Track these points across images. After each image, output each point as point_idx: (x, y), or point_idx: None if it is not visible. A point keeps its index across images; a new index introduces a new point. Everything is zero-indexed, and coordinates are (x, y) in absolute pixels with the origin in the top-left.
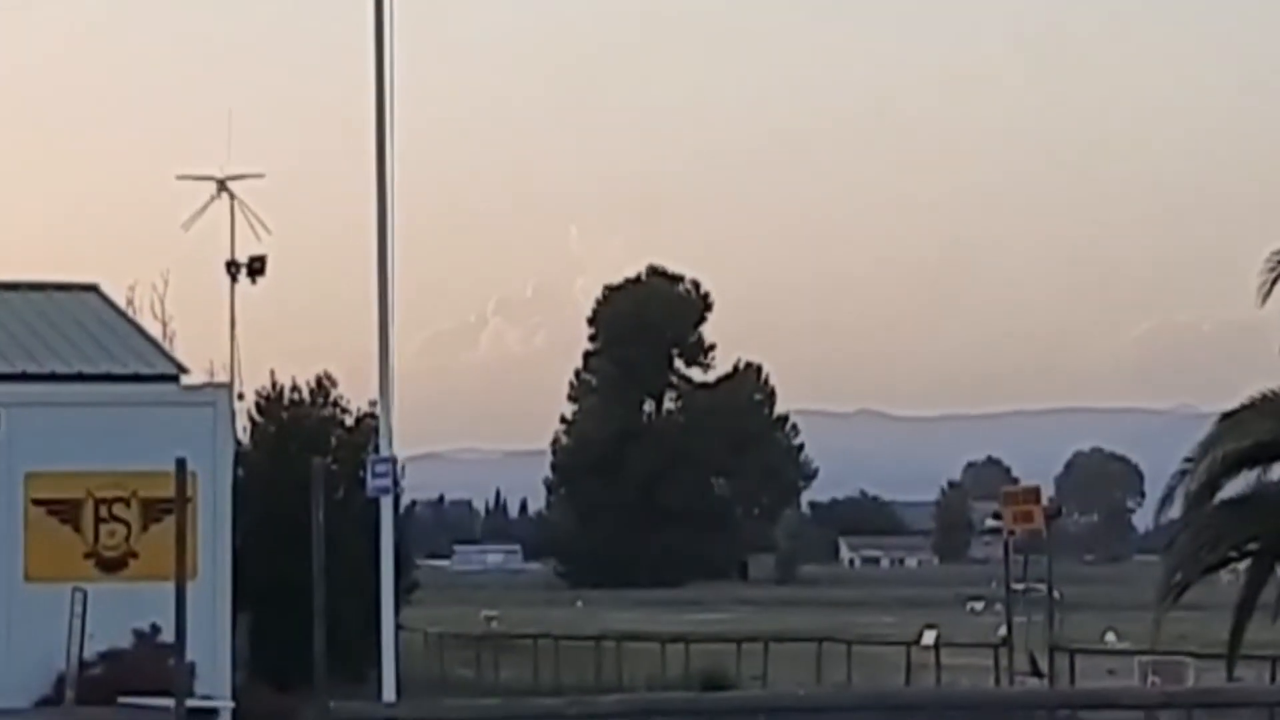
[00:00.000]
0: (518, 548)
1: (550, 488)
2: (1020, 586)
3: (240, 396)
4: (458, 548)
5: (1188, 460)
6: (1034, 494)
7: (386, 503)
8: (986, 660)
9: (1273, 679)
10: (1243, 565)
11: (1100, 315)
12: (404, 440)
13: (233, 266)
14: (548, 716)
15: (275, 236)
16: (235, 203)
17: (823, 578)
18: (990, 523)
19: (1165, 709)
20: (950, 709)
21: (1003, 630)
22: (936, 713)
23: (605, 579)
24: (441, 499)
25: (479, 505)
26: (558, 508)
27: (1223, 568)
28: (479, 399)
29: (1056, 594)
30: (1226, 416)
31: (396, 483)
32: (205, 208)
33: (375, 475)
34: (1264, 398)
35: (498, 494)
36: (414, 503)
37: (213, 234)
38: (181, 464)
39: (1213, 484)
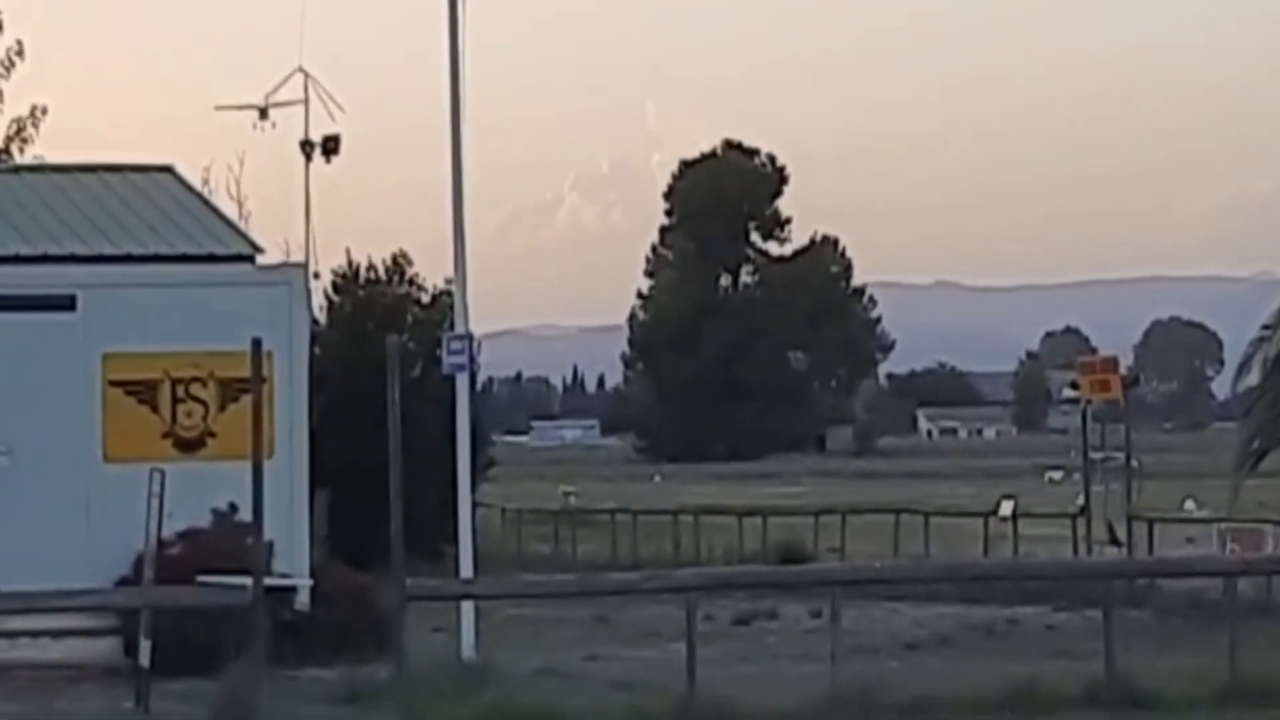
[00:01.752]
0: (595, 423)
1: (627, 363)
2: (1098, 456)
3: (316, 276)
4: (535, 424)
5: (1265, 327)
6: (1111, 363)
7: (462, 380)
8: (1065, 530)
9: None
10: None
11: (1179, 184)
12: (481, 317)
13: (307, 146)
14: (623, 590)
15: (350, 116)
16: (309, 82)
17: (901, 449)
18: (1067, 392)
19: (1243, 576)
20: (1026, 579)
21: (1080, 500)
22: (1013, 584)
23: (683, 453)
24: (519, 375)
25: (556, 381)
26: (635, 383)
27: None
28: (556, 275)
29: (1134, 463)
30: None
31: (472, 360)
32: (279, 87)
33: (451, 353)
34: None
35: (575, 370)
36: (491, 380)
37: (287, 114)
38: (257, 344)
39: None
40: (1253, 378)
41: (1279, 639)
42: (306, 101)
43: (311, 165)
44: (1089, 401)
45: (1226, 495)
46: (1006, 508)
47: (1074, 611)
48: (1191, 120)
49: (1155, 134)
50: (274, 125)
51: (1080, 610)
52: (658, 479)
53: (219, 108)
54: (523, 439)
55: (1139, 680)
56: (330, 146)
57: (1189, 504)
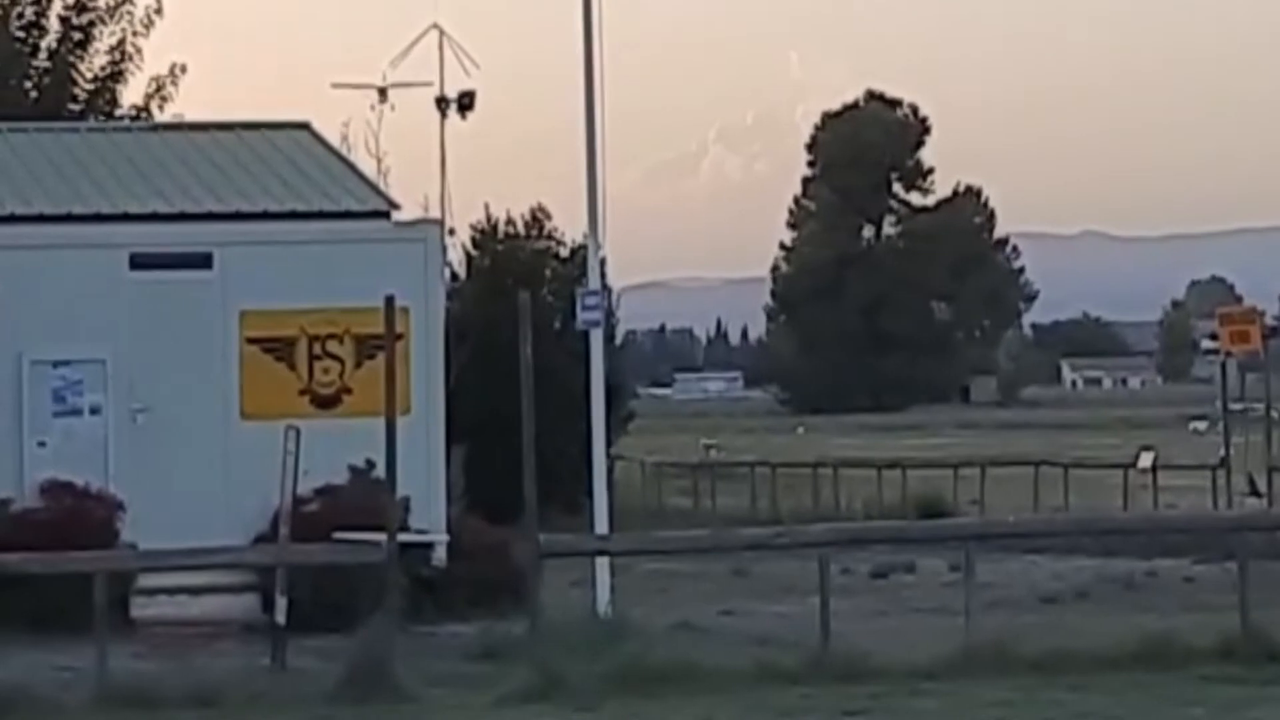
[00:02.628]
0: (738, 375)
1: (770, 315)
2: (1239, 407)
3: (452, 232)
4: (679, 376)
5: None
6: (1251, 313)
7: (597, 335)
8: (1205, 481)
9: None
10: None
11: None
12: (625, 269)
13: (442, 102)
14: (755, 546)
15: (486, 72)
16: (444, 38)
17: (1045, 399)
18: (1206, 343)
19: None
20: (1161, 533)
21: (1222, 451)
22: (1152, 536)
23: (826, 405)
24: (663, 328)
25: (700, 333)
26: (778, 334)
27: None
28: (700, 227)
29: (1275, 413)
30: None
31: (610, 315)
32: (414, 44)
33: (585, 308)
34: None
35: (718, 322)
36: (634, 332)
37: (424, 70)
38: (390, 301)
39: None
40: None
41: None
42: (442, 58)
43: (448, 122)
44: (1229, 353)
45: None
46: (1146, 459)
47: (1213, 564)
48: None
49: None
50: (393, 108)
51: (1219, 563)
52: (801, 431)
53: (336, 85)
54: (666, 391)
55: (1274, 634)
56: (466, 103)
57: None
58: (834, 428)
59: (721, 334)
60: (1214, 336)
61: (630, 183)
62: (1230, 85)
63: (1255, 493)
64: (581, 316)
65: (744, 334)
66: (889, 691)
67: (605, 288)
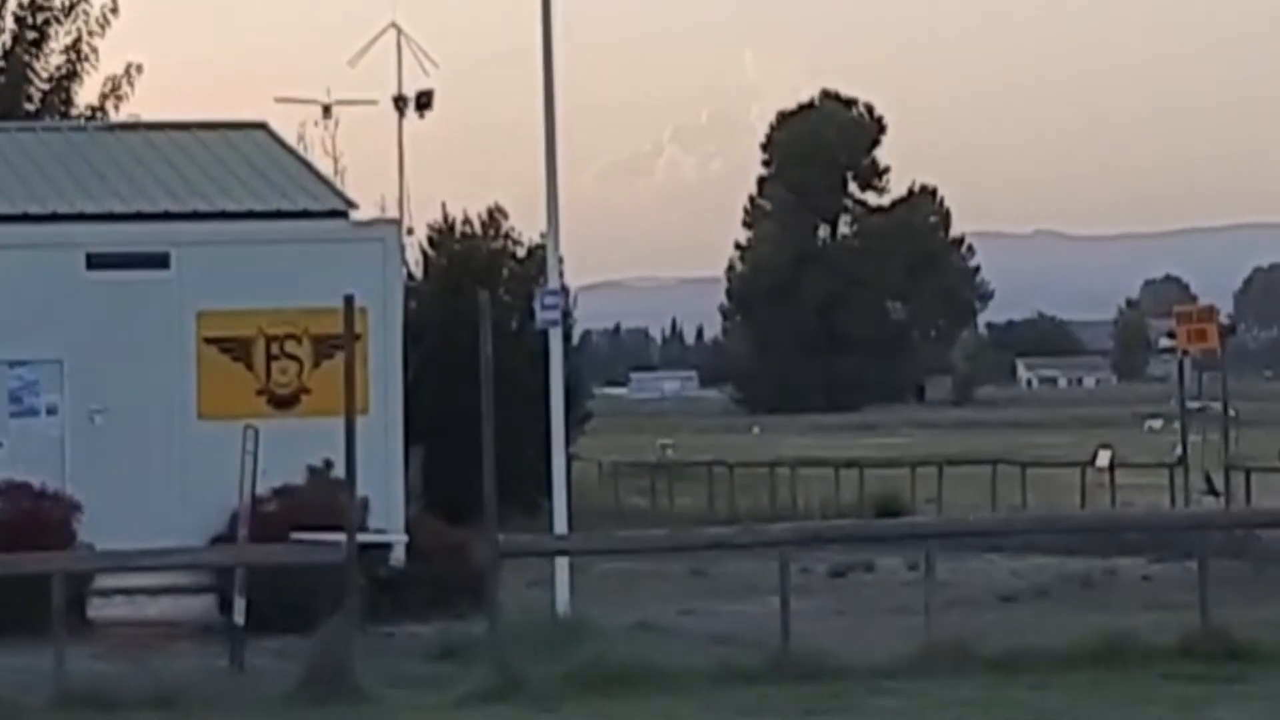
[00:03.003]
0: (694, 374)
1: (726, 314)
2: (1195, 405)
3: (410, 231)
4: (634, 375)
5: None
6: (1208, 312)
7: (556, 334)
8: (1163, 480)
9: None
10: None
11: None
12: (581, 269)
13: (400, 101)
14: (716, 545)
15: (444, 71)
16: (402, 37)
17: (1000, 399)
18: (1165, 342)
19: None
20: (1119, 531)
21: (1179, 450)
22: (1111, 535)
23: (782, 404)
24: (618, 327)
25: (655, 333)
26: (733, 334)
27: None
28: (655, 226)
29: (1232, 412)
30: None
31: (566, 315)
32: (372, 43)
33: (544, 307)
34: None
35: (674, 321)
36: (589, 332)
37: (381, 70)
38: (349, 300)
39: None
40: None
41: None
42: (400, 58)
43: (406, 121)
44: (1185, 352)
45: None
46: (1104, 458)
47: (1172, 563)
48: None
49: (1256, 79)
50: (337, 124)
51: (1178, 561)
52: (756, 430)
53: (279, 100)
54: (621, 391)
55: (1234, 632)
56: (423, 102)
57: None
58: (789, 427)
59: (677, 334)
60: (1171, 335)
61: (585, 182)
62: (1182, 86)
63: (1213, 491)
64: (540, 316)
65: (699, 334)
66: (849, 691)
67: (564, 287)
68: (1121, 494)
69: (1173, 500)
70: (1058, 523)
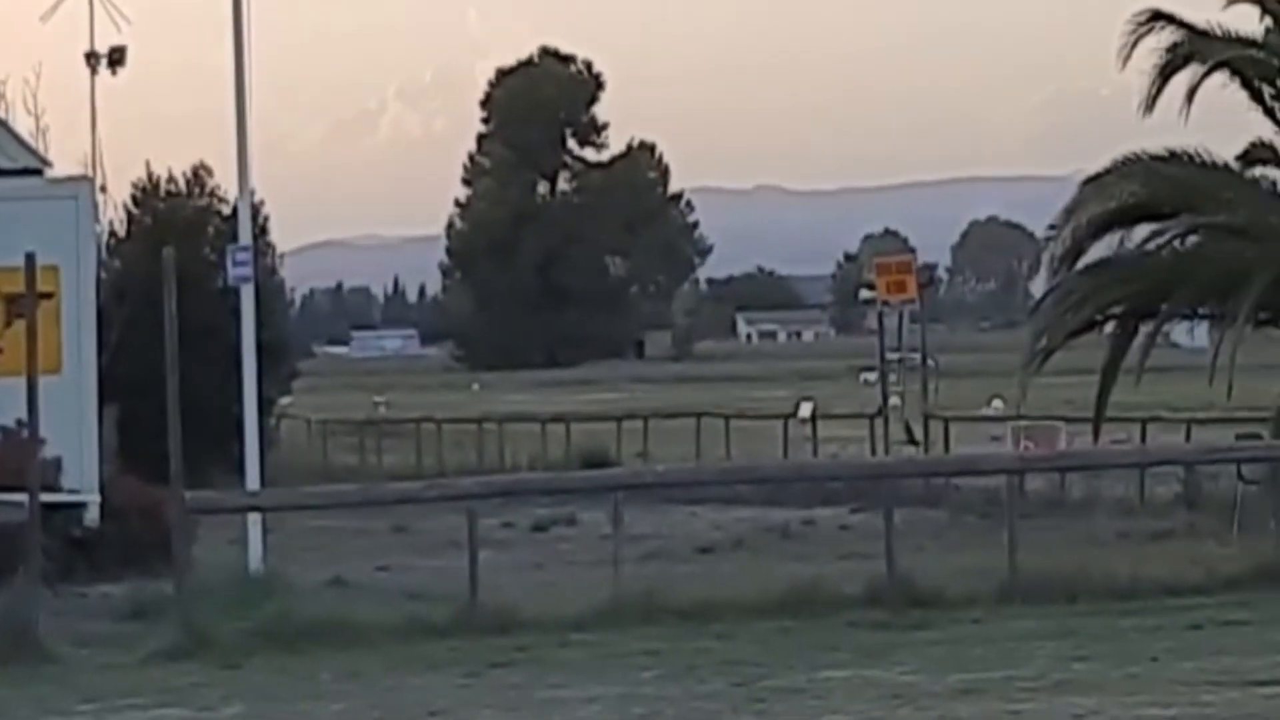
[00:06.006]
0: (414, 333)
1: (446, 272)
2: (896, 356)
3: (103, 189)
4: (355, 334)
5: (1052, 227)
6: (906, 264)
7: (248, 290)
8: (866, 431)
9: (1143, 440)
10: (1108, 329)
11: (999, 84)
12: (304, 228)
13: (92, 58)
14: (406, 500)
15: (148, 28)
16: None
17: (719, 353)
18: (864, 294)
19: (1024, 474)
20: (806, 481)
21: (894, 400)
22: (812, 485)
23: (502, 361)
24: (340, 286)
25: (378, 291)
26: (454, 291)
27: (1087, 332)
28: (380, 185)
29: (931, 362)
30: (1089, 181)
31: (273, 272)
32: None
33: (235, 264)
34: (1125, 160)
35: (396, 280)
36: (312, 290)
37: (75, 26)
38: (30, 258)
39: (1077, 249)
40: (1040, 277)
41: (1067, 536)
42: (92, 13)
43: (101, 78)
44: (886, 303)
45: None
46: (805, 409)
47: (871, 513)
48: (1008, 20)
49: (974, 35)
50: (39, 80)
51: (876, 511)
52: (476, 388)
53: None
54: (343, 350)
55: (920, 580)
56: (116, 58)
57: (996, 403)
58: (509, 384)
59: (399, 292)
60: (870, 286)
61: (311, 141)
62: (901, 42)
63: (912, 441)
64: (232, 272)
65: (421, 292)
66: (536, 643)
67: (268, 244)
68: (829, 446)
69: (873, 450)
70: (746, 473)
